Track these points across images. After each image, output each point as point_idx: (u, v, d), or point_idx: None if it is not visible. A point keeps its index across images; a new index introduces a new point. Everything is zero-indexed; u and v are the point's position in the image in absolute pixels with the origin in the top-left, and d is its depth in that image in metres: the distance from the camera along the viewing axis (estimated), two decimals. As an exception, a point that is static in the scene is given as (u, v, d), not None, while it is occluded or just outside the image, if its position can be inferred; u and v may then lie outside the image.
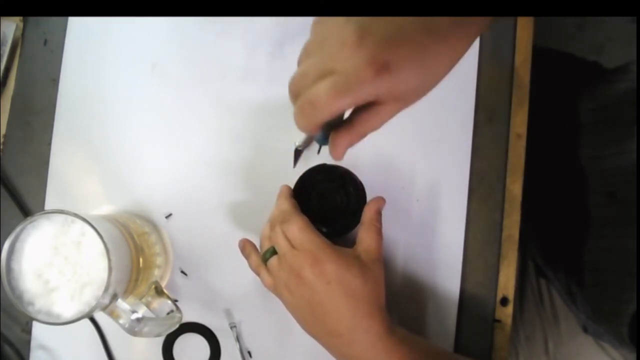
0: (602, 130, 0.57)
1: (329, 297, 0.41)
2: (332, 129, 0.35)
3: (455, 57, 0.32)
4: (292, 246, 0.43)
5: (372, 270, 0.43)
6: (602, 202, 0.56)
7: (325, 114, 0.30)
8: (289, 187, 0.47)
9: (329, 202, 0.47)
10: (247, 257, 0.48)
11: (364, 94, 0.30)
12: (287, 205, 0.45)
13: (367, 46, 0.29)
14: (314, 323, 0.43)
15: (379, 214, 0.46)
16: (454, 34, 0.31)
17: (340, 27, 0.30)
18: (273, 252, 0.44)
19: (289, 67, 0.52)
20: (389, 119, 0.33)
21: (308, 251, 0.42)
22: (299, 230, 0.42)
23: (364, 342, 0.42)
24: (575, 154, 0.60)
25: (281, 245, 0.43)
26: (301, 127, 0.32)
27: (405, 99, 0.32)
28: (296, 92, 0.32)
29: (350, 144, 0.35)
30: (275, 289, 0.45)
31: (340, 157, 0.35)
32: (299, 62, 0.33)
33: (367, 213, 0.46)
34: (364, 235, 0.45)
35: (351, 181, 0.47)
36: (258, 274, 0.47)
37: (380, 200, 0.46)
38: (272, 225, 0.45)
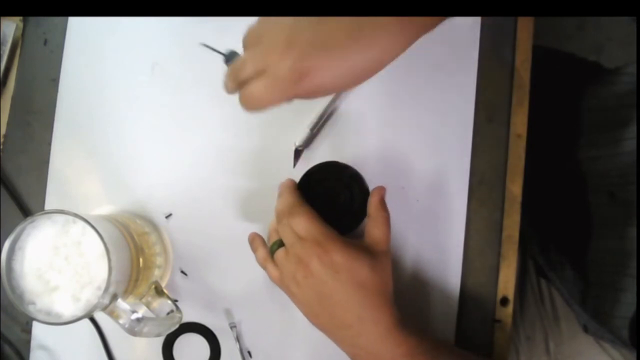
0: (602, 131, 0.57)
1: (338, 288, 0.41)
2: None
3: (385, 56, 0.35)
4: (300, 237, 0.42)
5: (380, 261, 0.43)
6: (602, 202, 0.56)
7: (262, 106, 0.37)
8: (294, 181, 0.47)
9: (333, 200, 0.47)
10: (254, 250, 0.48)
11: (290, 95, 0.36)
12: (292, 198, 0.44)
13: (292, 55, 0.34)
14: (322, 315, 0.43)
15: (382, 202, 0.45)
16: (383, 38, 0.34)
17: (274, 29, 0.36)
18: (280, 244, 0.44)
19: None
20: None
21: (317, 241, 0.42)
22: (307, 221, 0.42)
23: (372, 333, 0.42)
24: (575, 154, 0.60)
25: (288, 237, 0.43)
26: (247, 109, 0.38)
27: (333, 91, 0.38)
28: (235, 78, 0.38)
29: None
30: (281, 282, 0.45)
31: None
32: (244, 44, 0.38)
33: (372, 204, 0.45)
34: (371, 228, 0.45)
35: (358, 183, 0.47)
36: (265, 267, 0.46)
37: (381, 189, 0.46)
38: (279, 218, 0.45)
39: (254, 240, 0.48)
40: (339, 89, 0.38)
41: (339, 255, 0.41)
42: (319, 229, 0.42)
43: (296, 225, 0.43)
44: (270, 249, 0.46)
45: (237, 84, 0.38)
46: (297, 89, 0.35)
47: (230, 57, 0.45)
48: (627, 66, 0.57)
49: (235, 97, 0.53)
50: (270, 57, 0.35)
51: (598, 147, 0.57)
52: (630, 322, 0.50)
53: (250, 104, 0.37)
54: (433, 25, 0.37)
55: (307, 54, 0.34)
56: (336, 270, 0.41)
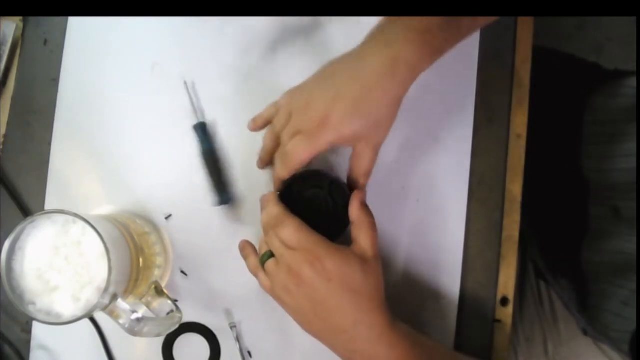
0: (603, 141, 0.56)
1: (331, 295, 0.41)
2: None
3: (394, 96, 0.41)
4: (289, 247, 0.42)
5: (371, 265, 0.43)
6: (604, 214, 0.55)
7: (299, 161, 0.43)
8: (275, 193, 0.47)
9: (316, 209, 0.46)
10: (245, 258, 0.48)
11: (322, 143, 0.42)
12: (277, 209, 0.44)
13: (310, 111, 0.42)
14: (316, 322, 0.43)
15: (364, 207, 0.45)
16: (384, 82, 0.40)
17: (299, 98, 0.44)
18: (270, 255, 0.44)
19: (287, 67, 0.53)
20: (372, 158, 0.45)
21: (307, 250, 0.42)
22: (295, 230, 0.42)
23: (367, 337, 0.42)
24: (575, 157, 0.60)
25: (277, 248, 0.43)
26: (281, 173, 0.45)
27: (361, 139, 0.43)
28: (272, 151, 0.47)
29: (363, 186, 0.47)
30: (273, 292, 0.44)
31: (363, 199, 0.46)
32: (284, 109, 0.45)
33: (354, 210, 0.45)
34: (357, 234, 0.44)
35: (340, 189, 0.46)
36: (256, 276, 0.46)
37: (360, 193, 0.45)
38: (266, 230, 0.45)
39: (245, 248, 0.48)
40: (370, 131, 0.42)
41: (331, 262, 0.41)
42: (308, 237, 0.42)
43: (284, 235, 0.43)
44: (261, 259, 0.45)
45: (275, 139, 0.46)
46: (322, 135, 0.41)
47: (198, 128, 0.52)
48: (627, 78, 0.57)
49: (235, 96, 0.53)
50: (300, 120, 0.43)
51: (598, 156, 0.56)
52: (632, 338, 0.50)
53: (290, 160, 0.43)
54: (428, 63, 0.41)
55: (323, 106, 0.41)
56: (329, 278, 0.41)
